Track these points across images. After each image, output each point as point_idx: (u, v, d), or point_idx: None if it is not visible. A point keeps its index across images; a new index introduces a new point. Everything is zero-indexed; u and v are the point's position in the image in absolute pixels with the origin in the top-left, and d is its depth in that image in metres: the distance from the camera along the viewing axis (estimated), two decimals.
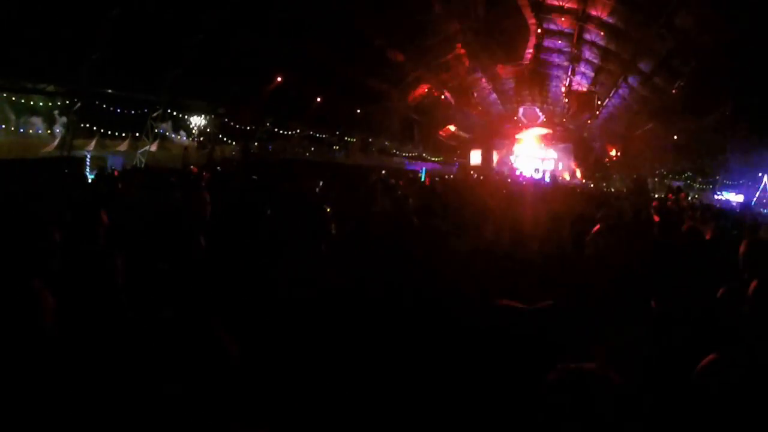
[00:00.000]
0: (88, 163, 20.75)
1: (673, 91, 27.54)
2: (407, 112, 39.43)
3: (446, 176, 29.80)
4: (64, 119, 21.65)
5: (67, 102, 21.26)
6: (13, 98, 20.70)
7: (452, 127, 46.89)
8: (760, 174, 26.41)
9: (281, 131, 31.44)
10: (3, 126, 21.82)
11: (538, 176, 39.69)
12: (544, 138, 49.86)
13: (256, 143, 30.10)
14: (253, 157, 27.89)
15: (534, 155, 49.79)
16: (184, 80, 23.40)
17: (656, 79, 29.83)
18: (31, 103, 21.32)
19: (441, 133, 46.84)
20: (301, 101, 30.11)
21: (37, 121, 21.56)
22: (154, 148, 25.19)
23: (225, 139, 28.26)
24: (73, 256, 4.23)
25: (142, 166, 23.20)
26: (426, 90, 38.78)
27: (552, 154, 49.97)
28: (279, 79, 27.63)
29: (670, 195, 20.08)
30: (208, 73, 23.83)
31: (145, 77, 22.30)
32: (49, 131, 22.11)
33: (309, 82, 28.72)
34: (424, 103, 40.38)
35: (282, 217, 6.90)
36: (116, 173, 17.78)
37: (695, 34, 23.34)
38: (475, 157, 49.91)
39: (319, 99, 31.30)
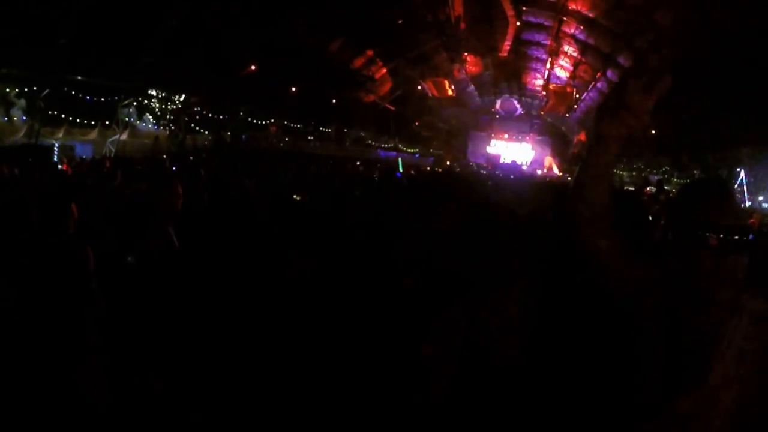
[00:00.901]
0: (56, 152, 20.24)
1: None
2: (383, 102, 39.19)
3: (427, 168, 29.72)
4: (23, 104, 21.00)
5: (34, 88, 20.70)
6: None
7: (429, 118, 46.87)
8: (737, 169, 26.51)
9: (255, 121, 31.03)
10: None
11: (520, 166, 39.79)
12: (521, 131, 49.87)
13: (229, 133, 29.64)
14: (227, 146, 27.49)
15: (510, 147, 49.71)
16: (155, 68, 22.93)
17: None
18: None
19: (417, 124, 46.73)
20: (276, 91, 29.74)
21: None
22: (124, 136, 24.69)
23: (197, 128, 27.77)
24: (44, 247, 4.18)
25: (112, 155, 22.69)
26: (402, 80, 38.60)
27: (528, 146, 49.95)
28: (253, 67, 27.28)
29: (645, 189, 20.09)
30: (181, 61, 23.30)
31: (116, 64, 21.64)
32: (15, 118, 21.45)
33: (283, 72, 28.39)
34: (400, 94, 40.18)
35: (260, 209, 6.74)
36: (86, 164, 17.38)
37: (674, 30, 23.37)
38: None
39: (293, 89, 30.96)
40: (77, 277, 3.95)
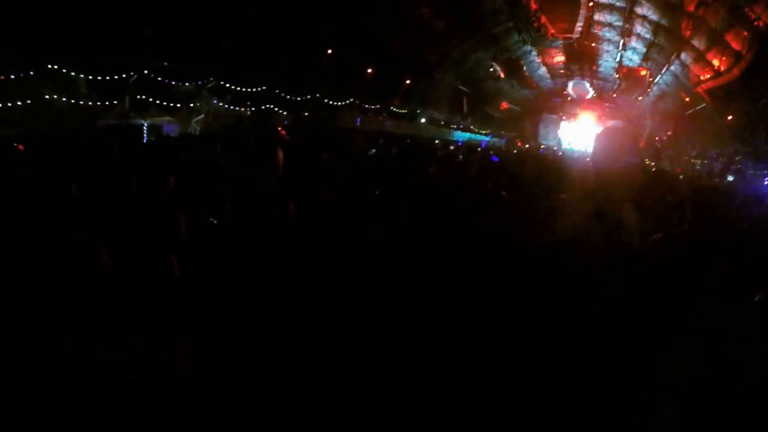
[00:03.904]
0: (145, 131, 21.32)
1: (731, 71, 26.59)
2: (456, 83, 39.43)
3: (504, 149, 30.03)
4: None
5: (124, 75, 21.75)
6: (72, 73, 21.05)
7: (503, 102, 46.79)
8: None
9: (331, 102, 31.74)
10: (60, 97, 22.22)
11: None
12: (593, 114, 49.28)
13: (307, 113, 30.40)
14: (305, 125, 28.26)
15: (582, 131, 49.23)
16: (237, 53, 24.04)
17: (711, 57, 29.10)
18: (89, 77, 21.72)
19: (489, 105, 46.69)
20: (352, 73, 30.57)
21: (91, 91, 22.08)
22: (207, 117, 25.69)
23: (277, 109, 28.61)
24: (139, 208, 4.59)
25: (197, 133, 23.76)
26: (475, 62, 38.66)
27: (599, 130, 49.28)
28: (329, 51, 27.96)
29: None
30: (261, 46, 24.39)
31: (199, 50, 22.76)
32: (107, 102, 22.63)
33: (359, 54, 29.02)
34: (473, 76, 40.24)
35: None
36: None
37: (756, 12, 22.61)
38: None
39: (369, 71, 31.57)
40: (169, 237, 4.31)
